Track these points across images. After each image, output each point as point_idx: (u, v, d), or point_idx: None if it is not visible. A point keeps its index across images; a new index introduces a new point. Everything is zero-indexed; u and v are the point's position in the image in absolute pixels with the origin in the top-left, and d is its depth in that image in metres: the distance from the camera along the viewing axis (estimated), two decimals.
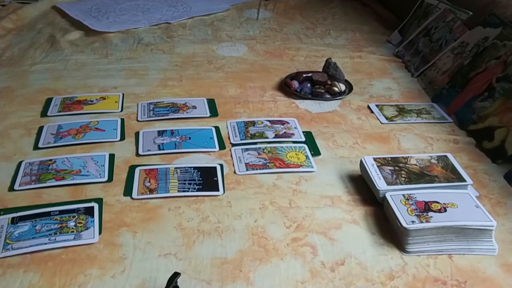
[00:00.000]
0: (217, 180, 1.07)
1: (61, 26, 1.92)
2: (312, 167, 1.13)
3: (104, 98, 1.39)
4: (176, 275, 0.77)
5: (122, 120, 1.29)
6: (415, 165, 1.05)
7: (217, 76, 1.56)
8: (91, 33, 1.85)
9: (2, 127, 1.24)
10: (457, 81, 1.40)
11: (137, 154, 1.16)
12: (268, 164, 1.13)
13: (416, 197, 0.95)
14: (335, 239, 0.93)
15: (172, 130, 1.24)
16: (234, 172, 1.10)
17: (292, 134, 1.25)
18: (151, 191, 1.03)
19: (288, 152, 1.17)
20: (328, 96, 1.43)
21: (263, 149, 1.18)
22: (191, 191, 1.03)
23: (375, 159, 1.07)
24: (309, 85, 1.47)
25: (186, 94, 1.44)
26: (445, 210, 0.91)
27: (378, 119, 1.34)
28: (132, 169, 1.10)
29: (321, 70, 1.52)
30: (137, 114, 1.32)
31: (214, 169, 1.10)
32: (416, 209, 0.92)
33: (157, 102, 1.38)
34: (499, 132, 1.20)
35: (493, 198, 1.05)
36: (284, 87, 1.48)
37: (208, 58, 1.69)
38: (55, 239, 0.89)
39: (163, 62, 1.64)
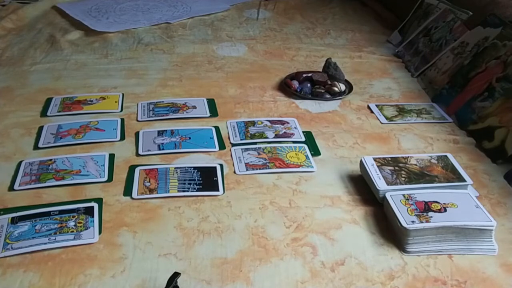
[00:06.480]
0: (217, 180, 1.07)
1: (61, 26, 1.92)
2: (312, 167, 1.13)
3: (104, 98, 1.39)
4: (176, 275, 0.77)
5: (122, 120, 1.29)
6: (415, 165, 1.05)
7: (217, 76, 1.56)
8: (91, 33, 1.85)
9: (2, 127, 1.24)
10: (457, 81, 1.40)
11: (137, 154, 1.16)
12: (268, 164, 1.13)
13: (416, 197, 0.95)
14: (335, 239, 0.93)
15: (172, 130, 1.24)
16: (234, 172, 1.10)
17: (292, 134, 1.25)
18: (151, 191, 1.03)
19: (288, 152, 1.17)
20: (328, 96, 1.43)
21: (263, 149, 1.18)
22: (191, 191, 1.03)
23: (375, 159, 1.07)
24: (309, 85, 1.46)
25: (186, 94, 1.44)
26: (445, 210, 0.91)
27: (378, 119, 1.34)
28: (132, 169, 1.10)
29: (321, 70, 1.52)
30: (137, 114, 1.32)
31: (214, 169, 1.10)
32: (416, 209, 0.92)
33: (157, 102, 1.38)
34: (499, 132, 1.20)
35: (493, 198, 1.05)
36: (284, 87, 1.48)
37: (208, 58, 1.69)
38: (55, 239, 0.89)
39: (163, 62, 1.64)
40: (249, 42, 1.83)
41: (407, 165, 1.05)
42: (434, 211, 0.91)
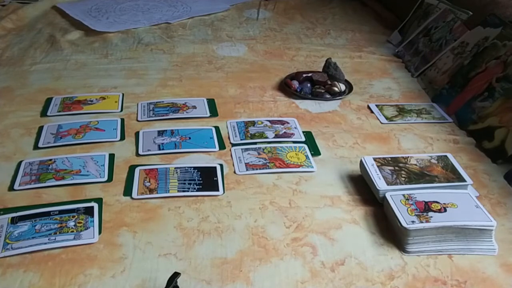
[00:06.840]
0: (217, 180, 1.07)
1: (61, 26, 1.92)
2: (312, 167, 1.13)
3: (104, 98, 1.39)
4: (176, 275, 0.77)
5: (122, 120, 1.29)
6: (415, 165, 1.05)
7: (217, 76, 1.56)
8: (91, 33, 1.85)
9: (2, 127, 1.24)
10: (457, 81, 1.40)
11: (137, 154, 1.16)
12: (268, 164, 1.13)
13: (416, 197, 0.95)
14: (335, 239, 0.93)
15: (172, 130, 1.24)
16: (234, 172, 1.10)
17: (292, 134, 1.25)
18: (151, 191, 1.03)
19: (288, 152, 1.17)
20: (328, 96, 1.43)
21: (263, 149, 1.18)
22: (191, 191, 1.03)
23: (375, 159, 1.06)
24: (309, 85, 1.46)
25: (186, 94, 1.44)
26: (445, 210, 0.91)
27: (378, 119, 1.34)
28: (132, 169, 1.10)
29: (321, 70, 1.52)
30: (137, 114, 1.32)
31: (214, 169, 1.10)
32: (416, 209, 0.92)
33: (157, 102, 1.38)
34: (499, 132, 1.20)
35: (493, 198, 1.05)
36: (284, 87, 1.48)
37: (208, 58, 1.69)
38: (55, 239, 0.89)
39: (163, 62, 1.64)
40: (249, 42, 1.83)
41: (407, 165, 1.05)
42: (434, 211, 0.91)
